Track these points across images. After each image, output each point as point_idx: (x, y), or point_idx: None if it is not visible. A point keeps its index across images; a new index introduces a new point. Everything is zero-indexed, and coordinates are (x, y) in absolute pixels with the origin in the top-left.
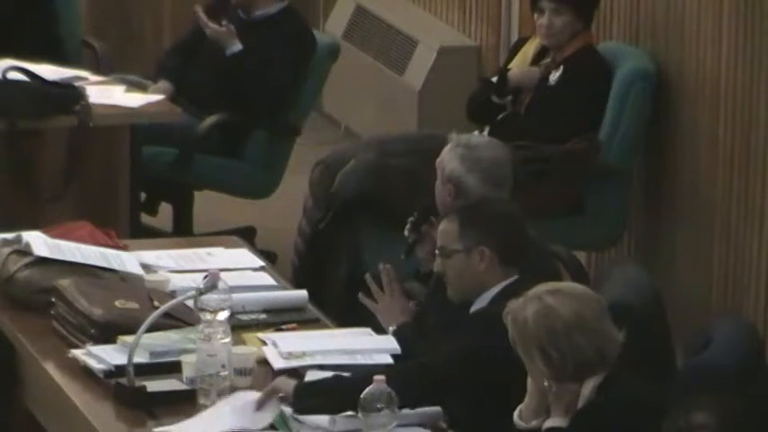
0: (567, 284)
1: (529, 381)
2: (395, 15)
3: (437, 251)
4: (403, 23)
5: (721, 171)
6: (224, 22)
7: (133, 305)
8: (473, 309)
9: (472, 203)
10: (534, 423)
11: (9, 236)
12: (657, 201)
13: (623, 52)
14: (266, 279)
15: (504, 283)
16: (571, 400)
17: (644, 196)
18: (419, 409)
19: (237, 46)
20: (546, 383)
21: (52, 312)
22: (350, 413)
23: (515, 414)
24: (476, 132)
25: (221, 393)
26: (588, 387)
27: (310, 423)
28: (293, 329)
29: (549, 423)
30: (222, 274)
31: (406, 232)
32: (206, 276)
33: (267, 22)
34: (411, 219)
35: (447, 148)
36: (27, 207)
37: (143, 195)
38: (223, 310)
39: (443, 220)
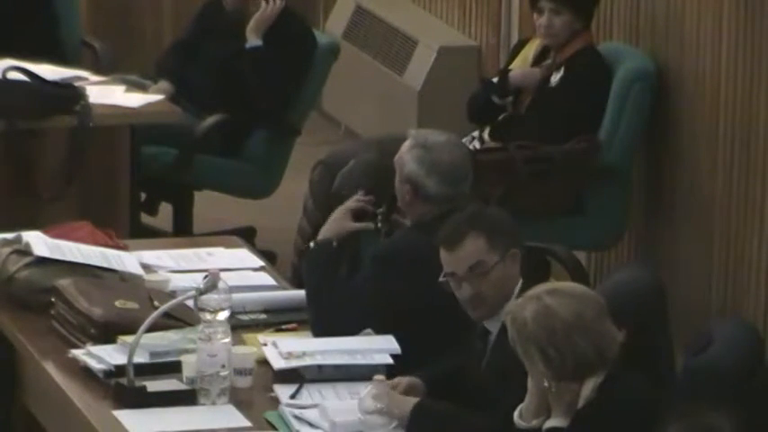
0: (567, 284)
1: (529, 381)
2: (395, 15)
3: (470, 272)
4: (403, 23)
5: (721, 171)
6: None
7: (133, 305)
8: (491, 318)
9: (476, 215)
10: (535, 423)
11: (9, 236)
12: (657, 201)
13: (623, 52)
14: (266, 279)
15: (520, 282)
16: (571, 400)
17: (644, 196)
18: None
19: (258, 41)
20: (546, 384)
21: (52, 312)
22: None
23: (516, 413)
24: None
25: (221, 393)
26: (588, 387)
27: (310, 423)
28: (293, 329)
29: (549, 423)
30: (222, 274)
31: (378, 224)
32: (206, 276)
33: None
34: (380, 211)
35: (405, 147)
36: (27, 207)
37: (143, 195)
38: (223, 310)
39: (464, 241)
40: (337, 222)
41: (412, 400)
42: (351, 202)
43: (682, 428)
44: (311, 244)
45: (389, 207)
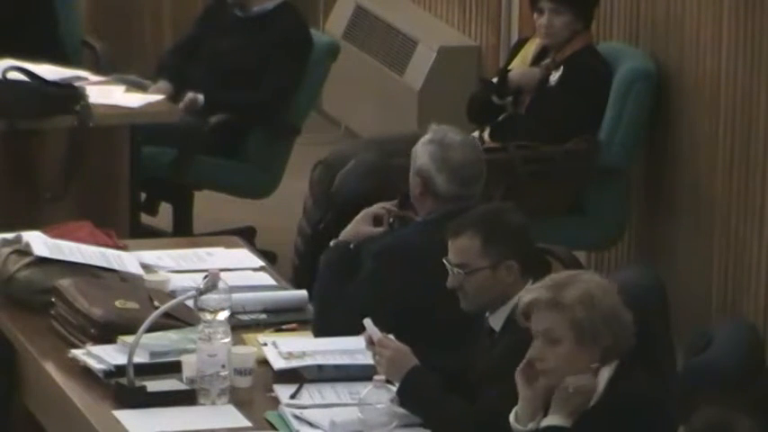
0: (583, 272)
1: (523, 385)
2: (395, 15)
3: (456, 268)
4: (403, 23)
5: (721, 171)
6: (189, 95)
7: (133, 305)
8: (494, 317)
9: (487, 216)
10: (531, 425)
11: (9, 236)
12: (657, 201)
13: (623, 52)
14: (266, 279)
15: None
16: (582, 401)
17: (644, 196)
18: None
19: (200, 101)
20: (594, 366)
21: (52, 312)
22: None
23: (511, 416)
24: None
25: (221, 393)
26: (604, 377)
27: (310, 423)
28: (293, 329)
29: (547, 421)
30: (222, 274)
31: (390, 222)
32: (206, 276)
33: (264, 19)
34: (392, 205)
35: (422, 140)
36: (27, 207)
37: (143, 195)
38: (223, 310)
39: (461, 236)
40: (355, 226)
41: (412, 362)
42: (374, 207)
43: (699, 421)
44: (331, 243)
45: (401, 205)
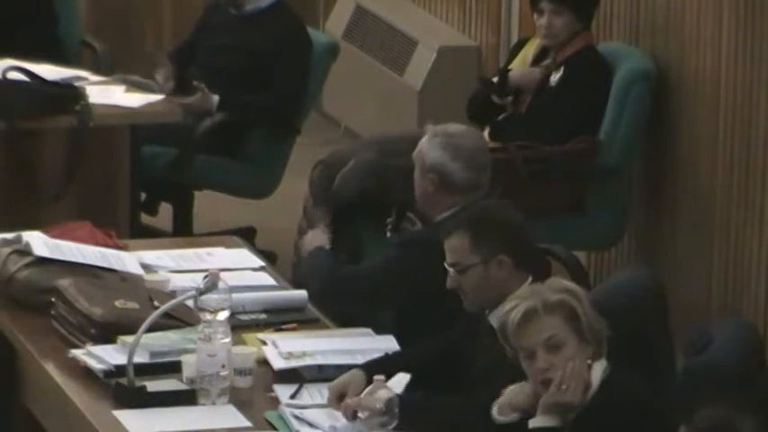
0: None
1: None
2: (395, 15)
3: (451, 268)
4: (403, 23)
5: (721, 171)
6: (198, 86)
7: (133, 305)
8: (494, 315)
9: (476, 214)
10: (514, 416)
11: (9, 236)
12: (657, 201)
13: (623, 52)
14: (266, 279)
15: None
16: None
17: (644, 196)
18: None
19: (214, 101)
20: (588, 361)
21: (52, 312)
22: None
23: (494, 409)
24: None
25: (221, 393)
26: (595, 380)
27: (310, 423)
28: (293, 329)
29: (536, 422)
30: (222, 274)
31: (387, 234)
32: (206, 276)
33: (259, 17)
34: (389, 220)
35: (425, 139)
36: (27, 207)
37: (143, 195)
38: (223, 310)
39: (451, 236)
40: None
41: (383, 398)
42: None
43: (702, 421)
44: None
45: (399, 215)
